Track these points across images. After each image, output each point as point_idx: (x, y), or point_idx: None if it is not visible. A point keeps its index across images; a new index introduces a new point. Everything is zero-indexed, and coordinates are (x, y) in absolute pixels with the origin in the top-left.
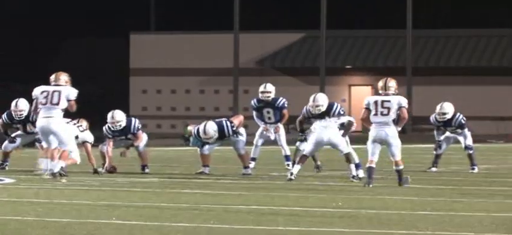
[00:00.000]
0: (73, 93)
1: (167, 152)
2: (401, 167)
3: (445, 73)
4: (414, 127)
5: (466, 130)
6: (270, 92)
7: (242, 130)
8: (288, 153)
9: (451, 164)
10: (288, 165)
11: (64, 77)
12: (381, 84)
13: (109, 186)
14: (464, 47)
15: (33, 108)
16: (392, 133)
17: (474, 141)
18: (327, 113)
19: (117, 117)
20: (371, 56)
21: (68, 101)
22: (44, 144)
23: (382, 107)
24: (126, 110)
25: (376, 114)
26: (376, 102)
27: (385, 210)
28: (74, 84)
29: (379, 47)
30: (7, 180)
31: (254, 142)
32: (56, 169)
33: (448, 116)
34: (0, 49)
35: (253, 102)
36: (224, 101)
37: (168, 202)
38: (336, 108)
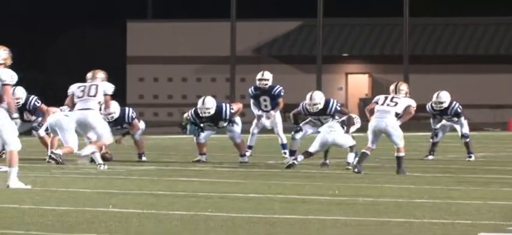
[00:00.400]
0: (110, 88)
1: (164, 140)
2: (401, 155)
3: (442, 61)
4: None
5: (462, 118)
6: (267, 80)
7: (237, 119)
8: (285, 141)
9: (448, 152)
10: (285, 153)
11: (101, 75)
12: (392, 87)
13: (106, 174)
14: (461, 35)
15: (66, 102)
16: (391, 123)
17: (471, 129)
18: (324, 111)
19: (111, 109)
20: (368, 44)
21: (105, 95)
22: (52, 133)
23: (391, 101)
24: (123, 98)
25: (382, 104)
26: (386, 97)
27: (382, 198)
28: (71, 73)
29: (376, 35)
30: (4, 168)
31: (250, 130)
32: (98, 161)
33: (445, 105)
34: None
35: (251, 90)
36: (221, 89)
37: (165, 190)
38: (333, 105)
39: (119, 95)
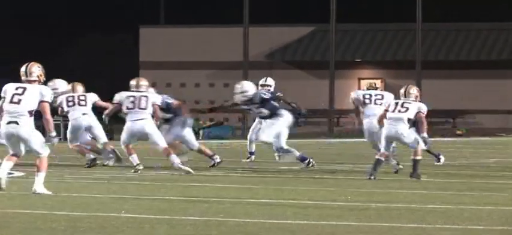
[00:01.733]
0: (158, 99)
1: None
2: (418, 158)
3: (455, 67)
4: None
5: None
6: (270, 86)
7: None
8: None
9: (460, 158)
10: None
11: (145, 83)
12: (402, 91)
13: (118, 179)
14: (474, 41)
15: (110, 111)
16: (403, 130)
17: (484, 135)
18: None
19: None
20: (381, 49)
21: (153, 105)
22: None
23: (402, 106)
24: None
25: (393, 111)
26: (396, 103)
27: (395, 203)
28: (86, 78)
29: (389, 41)
30: (16, 174)
31: (248, 137)
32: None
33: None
34: (11, 47)
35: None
36: (233, 94)
37: (178, 195)
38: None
39: None
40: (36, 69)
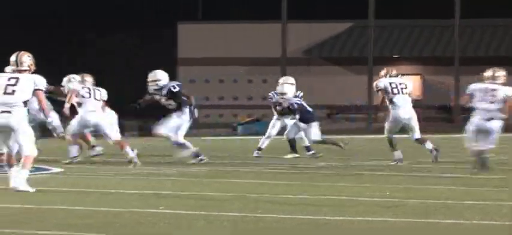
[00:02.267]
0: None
1: (215, 141)
2: (488, 156)
3: (493, 63)
4: (464, 117)
5: None
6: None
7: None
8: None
9: (500, 154)
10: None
11: (90, 79)
12: (489, 73)
13: (156, 175)
14: None
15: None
16: (495, 123)
17: None
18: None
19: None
20: (418, 45)
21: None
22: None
23: (490, 95)
24: None
25: (482, 101)
26: (483, 89)
27: (432, 199)
28: (123, 75)
29: (427, 37)
30: (54, 170)
31: (267, 133)
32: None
33: None
34: (49, 41)
35: (272, 93)
36: (272, 91)
37: (215, 191)
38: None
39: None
40: (27, 59)
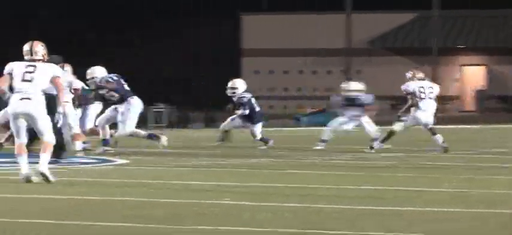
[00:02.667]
0: None
1: (279, 132)
2: None
3: None
4: None
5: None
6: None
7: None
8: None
9: None
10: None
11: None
12: None
13: (218, 167)
14: None
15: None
16: None
17: None
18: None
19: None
20: (482, 35)
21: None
22: None
23: None
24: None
25: None
26: None
27: (495, 189)
28: (188, 66)
29: (491, 27)
30: (119, 161)
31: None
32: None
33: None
34: (110, 30)
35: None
36: (336, 82)
37: (278, 182)
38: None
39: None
40: (41, 48)
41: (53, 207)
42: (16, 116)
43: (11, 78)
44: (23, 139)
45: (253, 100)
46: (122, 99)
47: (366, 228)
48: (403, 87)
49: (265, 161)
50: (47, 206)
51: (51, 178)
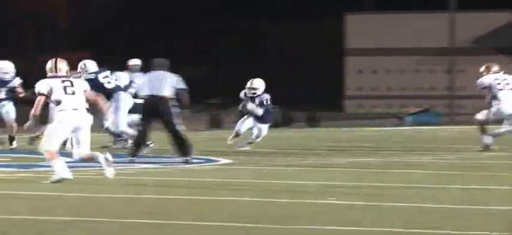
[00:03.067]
0: None
1: (382, 132)
2: None
3: None
4: None
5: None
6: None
7: None
8: None
9: None
10: None
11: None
12: None
13: (324, 166)
14: None
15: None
16: None
17: None
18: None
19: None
20: None
21: None
22: None
23: None
24: (340, 90)
25: None
26: None
27: None
28: (288, 66)
29: None
30: (223, 161)
31: None
32: None
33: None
34: (215, 32)
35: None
36: (440, 81)
37: (384, 182)
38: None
39: (336, 87)
40: (63, 65)
41: (157, 207)
42: (69, 126)
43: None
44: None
45: (270, 101)
46: (108, 97)
47: (473, 227)
48: (477, 82)
49: (372, 161)
50: (152, 205)
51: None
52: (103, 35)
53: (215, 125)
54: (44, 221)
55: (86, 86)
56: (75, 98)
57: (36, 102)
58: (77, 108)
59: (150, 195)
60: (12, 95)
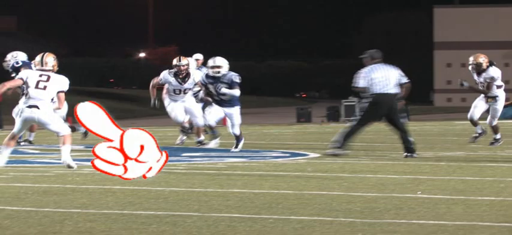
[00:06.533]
0: None
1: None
2: None
3: None
4: None
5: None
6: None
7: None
8: None
9: None
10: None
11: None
12: None
13: (413, 160)
14: None
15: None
16: None
17: None
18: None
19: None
20: None
21: None
22: None
23: None
24: (429, 83)
25: None
26: None
27: None
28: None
29: None
30: (311, 155)
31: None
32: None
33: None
34: (294, 27)
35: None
36: None
37: (473, 176)
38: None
39: (425, 80)
40: (51, 60)
41: (245, 201)
42: (27, 120)
43: None
44: (18, 135)
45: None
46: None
47: None
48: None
49: (462, 155)
50: (241, 199)
51: (72, 164)
52: None
53: (305, 119)
54: (128, 215)
55: (64, 86)
56: (40, 93)
57: (9, 82)
58: (34, 103)
59: (238, 189)
60: None
